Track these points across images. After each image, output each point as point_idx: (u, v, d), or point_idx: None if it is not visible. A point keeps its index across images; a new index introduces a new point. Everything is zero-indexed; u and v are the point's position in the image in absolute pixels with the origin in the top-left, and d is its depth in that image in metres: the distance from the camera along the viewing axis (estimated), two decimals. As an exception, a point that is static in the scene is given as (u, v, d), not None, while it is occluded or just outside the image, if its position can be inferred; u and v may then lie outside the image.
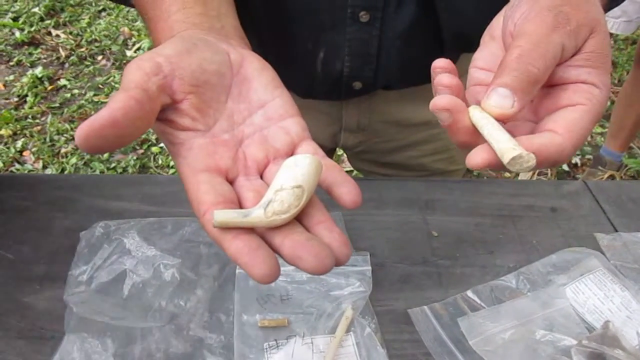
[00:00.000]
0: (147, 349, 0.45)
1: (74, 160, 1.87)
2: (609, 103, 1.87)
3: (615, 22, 1.55)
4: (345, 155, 0.97)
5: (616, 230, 0.59)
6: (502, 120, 0.32)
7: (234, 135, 0.34)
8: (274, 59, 0.62)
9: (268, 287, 0.51)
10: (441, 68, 0.34)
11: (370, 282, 0.51)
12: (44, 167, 1.85)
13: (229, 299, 0.50)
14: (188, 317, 0.48)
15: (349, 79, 0.60)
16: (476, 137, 0.32)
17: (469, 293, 0.51)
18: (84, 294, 0.48)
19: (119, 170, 1.85)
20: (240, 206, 0.31)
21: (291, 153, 0.34)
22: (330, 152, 0.80)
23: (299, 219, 0.31)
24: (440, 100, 0.32)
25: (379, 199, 0.62)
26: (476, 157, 0.31)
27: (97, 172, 1.83)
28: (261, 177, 0.33)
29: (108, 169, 1.85)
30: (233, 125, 0.34)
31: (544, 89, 0.36)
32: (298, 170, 0.30)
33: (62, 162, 1.87)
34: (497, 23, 0.38)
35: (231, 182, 0.32)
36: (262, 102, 0.35)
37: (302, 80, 0.63)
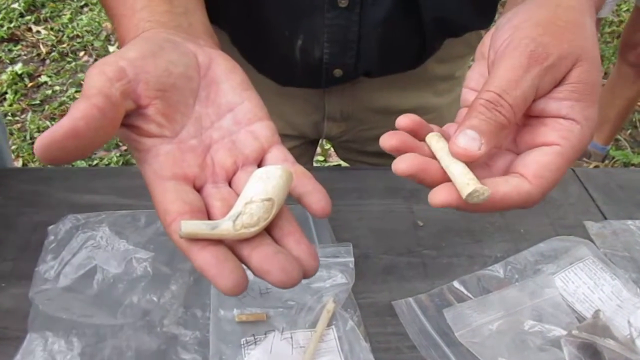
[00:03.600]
0: (118, 347, 0.43)
1: (55, 158, 1.83)
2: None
3: None
4: (332, 149, 0.95)
5: (605, 218, 0.58)
6: (470, 162, 0.31)
7: (201, 140, 0.33)
8: (251, 47, 0.60)
9: (246, 281, 0.48)
10: (404, 127, 0.34)
11: (353, 274, 0.49)
12: (24, 165, 1.81)
13: (205, 294, 0.47)
14: (161, 313, 0.45)
15: (329, 66, 0.58)
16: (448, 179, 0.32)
17: (456, 283, 0.50)
18: (51, 291, 0.46)
19: (102, 168, 1.82)
20: (208, 215, 0.30)
21: (260, 159, 0.34)
22: (313, 143, 0.78)
23: (268, 229, 0.30)
24: (401, 166, 0.31)
25: (363, 189, 0.60)
26: (439, 196, 0.30)
27: (79, 169, 1.79)
28: (229, 184, 0.33)
29: (90, 166, 1.82)
30: (201, 129, 0.33)
31: (525, 119, 0.35)
32: (269, 183, 0.29)
33: (43, 160, 1.83)
34: (487, 41, 0.37)
35: (199, 189, 0.31)
36: (231, 105, 0.34)
37: (281, 68, 0.61)
